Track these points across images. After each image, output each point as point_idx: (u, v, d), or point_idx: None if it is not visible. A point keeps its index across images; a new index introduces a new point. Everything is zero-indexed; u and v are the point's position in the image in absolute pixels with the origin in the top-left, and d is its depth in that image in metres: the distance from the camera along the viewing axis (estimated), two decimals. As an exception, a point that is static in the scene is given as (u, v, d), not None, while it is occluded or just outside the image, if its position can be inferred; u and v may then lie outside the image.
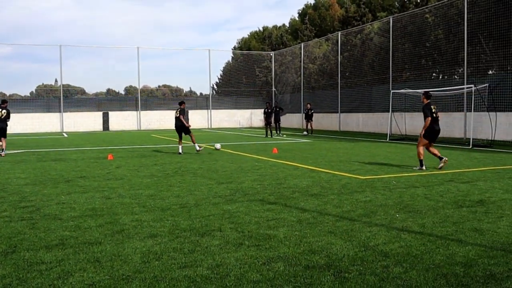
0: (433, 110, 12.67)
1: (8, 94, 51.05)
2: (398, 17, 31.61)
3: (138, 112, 43.01)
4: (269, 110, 30.24)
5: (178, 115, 18.54)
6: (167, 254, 5.43)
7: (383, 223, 6.78)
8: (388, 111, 27.51)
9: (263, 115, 32.15)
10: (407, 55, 30.74)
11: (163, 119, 43.45)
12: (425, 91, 13.52)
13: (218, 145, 19.68)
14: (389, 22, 31.60)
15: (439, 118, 12.91)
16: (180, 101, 19.44)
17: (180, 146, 18.25)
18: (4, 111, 17.83)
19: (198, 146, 18.47)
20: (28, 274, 4.81)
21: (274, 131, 30.65)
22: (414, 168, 12.85)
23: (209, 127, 45.53)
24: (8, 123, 18.10)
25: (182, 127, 18.13)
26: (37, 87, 54.17)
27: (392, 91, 27.35)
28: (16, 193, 9.61)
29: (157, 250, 5.58)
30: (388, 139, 24.95)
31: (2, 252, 5.55)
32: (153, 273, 4.80)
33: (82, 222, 6.99)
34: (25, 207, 8.14)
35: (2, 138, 17.61)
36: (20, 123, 38.64)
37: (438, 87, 24.69)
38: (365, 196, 8.87)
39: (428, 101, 12.88)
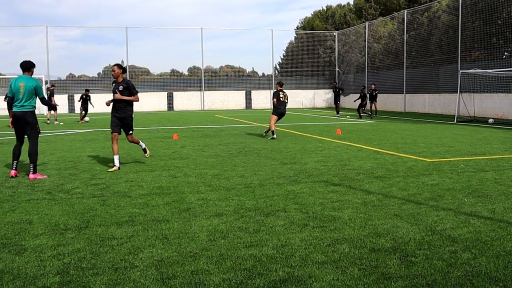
0: (281, 96, 16.04)
1: (77, 75, 52.84)
2: (468, -6, 30.40)
3: (202, 92, 43.53)
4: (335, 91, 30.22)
5: None
6: (232, 233, 5.52)
7: (450, 207, 6.63)
8: (456, 92, 26.64)
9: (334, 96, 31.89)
10: (477, 33, 29.52)
11: (226, 99, 43.91)
12: (278, 81, 16.65)
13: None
14: (459, -1, 30.49)
15: (286, 103, 16.32)
16: None
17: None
18: None
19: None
20: (101, 249, 5.01)
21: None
22: (267, 137, 16.45)
23: (271, 107, 45.48)
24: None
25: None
26: (104, 68, 55.61)
27: (460, 71, 26.46)
28: (87, 170, 9.99)
29: (223, 228, 5.68)
30: (455, 121, 24.22)
31: (76, 227, 5.80)
32: (220, 251, 4.90)
33: (150, 200, 7.20)
34: (95, 185, 8.46)
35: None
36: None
37: (510, 67, 23.65)
38: (431, 180, 8.67)
39: (280, 88, 16.14)
